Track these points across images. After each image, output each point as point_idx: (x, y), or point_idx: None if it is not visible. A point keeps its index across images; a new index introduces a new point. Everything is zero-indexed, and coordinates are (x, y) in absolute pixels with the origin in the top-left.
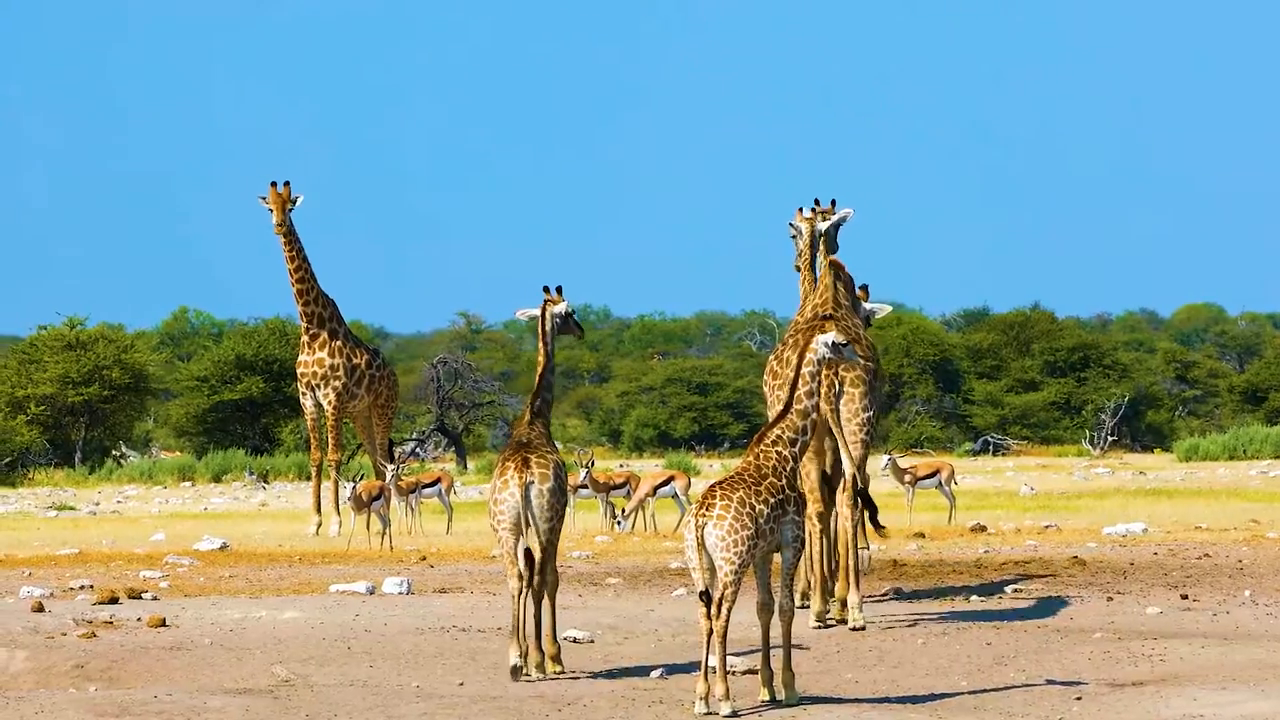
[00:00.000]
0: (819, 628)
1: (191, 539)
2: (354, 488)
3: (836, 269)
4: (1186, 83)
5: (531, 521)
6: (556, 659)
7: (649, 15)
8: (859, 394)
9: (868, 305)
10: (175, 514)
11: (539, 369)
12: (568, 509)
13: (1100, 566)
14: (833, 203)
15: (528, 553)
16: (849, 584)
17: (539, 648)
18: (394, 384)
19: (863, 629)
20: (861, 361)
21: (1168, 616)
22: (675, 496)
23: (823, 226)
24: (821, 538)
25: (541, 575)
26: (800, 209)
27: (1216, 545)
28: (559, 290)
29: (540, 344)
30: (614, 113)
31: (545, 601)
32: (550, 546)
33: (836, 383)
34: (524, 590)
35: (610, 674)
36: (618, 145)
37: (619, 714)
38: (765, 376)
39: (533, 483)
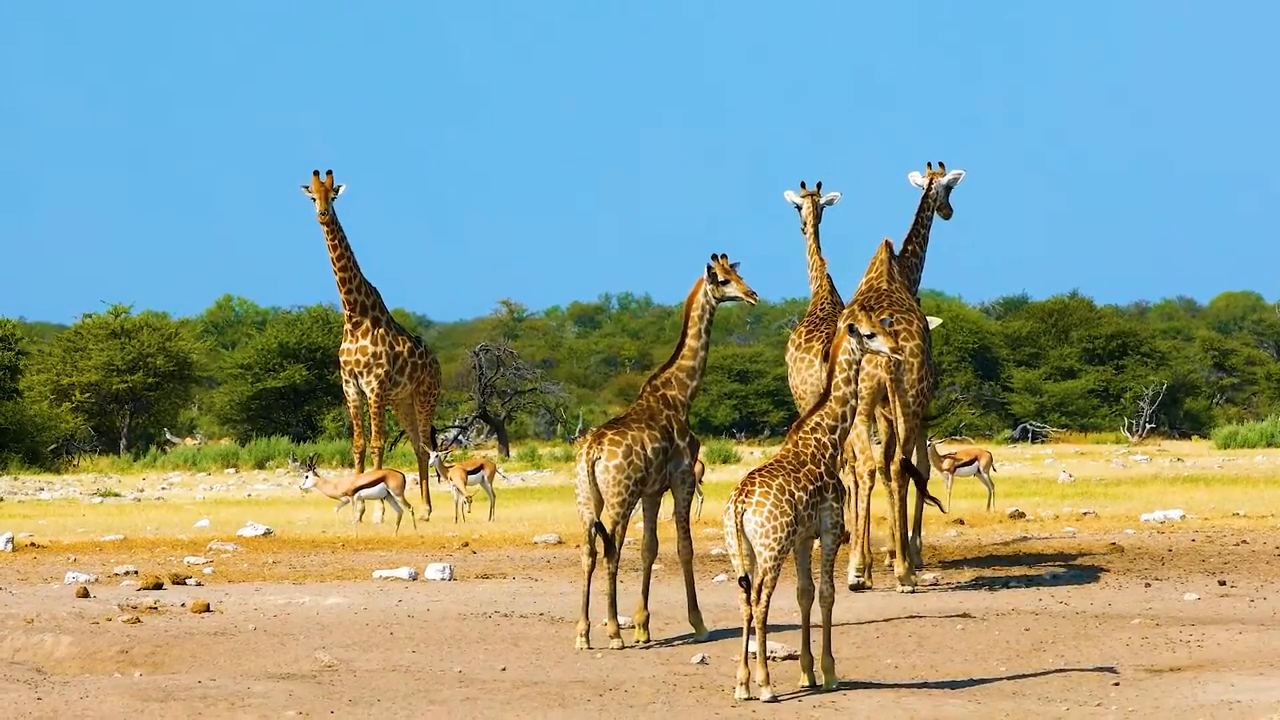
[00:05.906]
0: (857, 587)
1: (235, 525)
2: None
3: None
4: (1224, 70)
5: (603, 497)
6: (644, 626)
7: (693, 4)
8: (917, 364)
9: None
10: (219, 500)
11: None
12: None
13: (1138, 553)
14: (818, 185)
15: (599, 528)
16: (899, 554)
17: (615, 619)
18: (436, 371)
19: (910, 590)
20: (887, 353)
21: (1205, 603)
22: None
23: (943, 181)
24: (866, 497)
25: (609, 551)
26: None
27: (1254, 532)
28: (720, 258)
29: (687, 319)
30: (655, 100)
31: (643, 567)
32: (622, 521)
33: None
34: (593, 568)
35: (651, 659)
36: (658, 132)
37: (660, 699)
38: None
39: (599, 459)
